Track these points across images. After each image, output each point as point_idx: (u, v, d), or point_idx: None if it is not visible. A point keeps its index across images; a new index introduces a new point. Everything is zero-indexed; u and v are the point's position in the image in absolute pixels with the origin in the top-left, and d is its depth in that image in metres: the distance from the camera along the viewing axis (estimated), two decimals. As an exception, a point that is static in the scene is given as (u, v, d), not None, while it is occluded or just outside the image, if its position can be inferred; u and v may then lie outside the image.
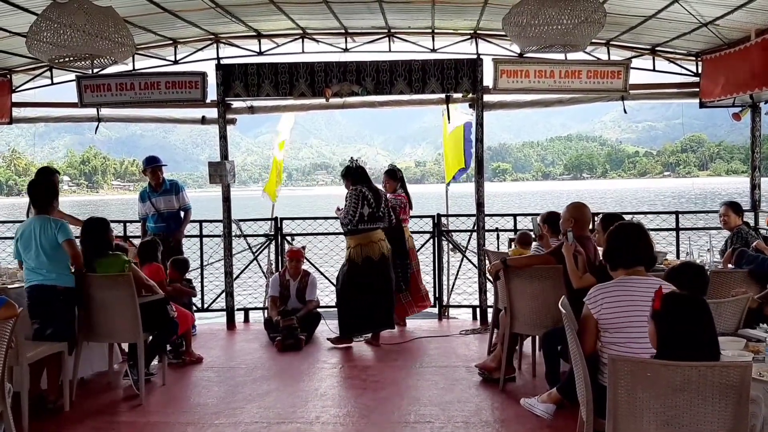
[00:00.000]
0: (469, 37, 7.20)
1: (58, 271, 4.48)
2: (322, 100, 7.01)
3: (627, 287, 3.04)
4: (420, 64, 6.88)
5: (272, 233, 7.59)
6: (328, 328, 6.40)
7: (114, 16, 4.46)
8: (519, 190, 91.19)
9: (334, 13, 6.49)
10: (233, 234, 7.25)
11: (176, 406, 4.62)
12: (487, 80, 6.91)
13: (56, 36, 4.26)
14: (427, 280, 7.26)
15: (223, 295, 7.32)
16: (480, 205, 7.07)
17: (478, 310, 7.19)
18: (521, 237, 5.97)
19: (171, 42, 7.29)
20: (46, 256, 4.44)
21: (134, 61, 7.36)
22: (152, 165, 6.82)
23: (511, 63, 6.88)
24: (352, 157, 6.26)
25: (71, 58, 4.53)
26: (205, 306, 7.59)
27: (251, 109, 7.39)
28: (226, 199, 7.13)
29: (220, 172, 6.94)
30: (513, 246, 6.23)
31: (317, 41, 7.37)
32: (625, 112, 7.53)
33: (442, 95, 7.06)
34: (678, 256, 6.79)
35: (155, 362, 5.14)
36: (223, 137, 7.10)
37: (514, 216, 7.58)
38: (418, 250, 7.25)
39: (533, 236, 5.80)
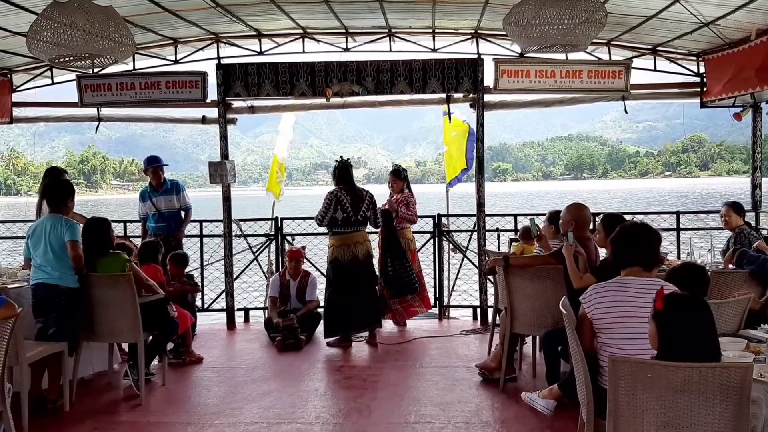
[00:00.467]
0: (469, 36, 7.20)
1: (62, 271, 4.47)
2: (323, 100, 7.00)
3: (621, 288, 3.02)
4: (421, 63, 6.87)
5: (272, 233, 7.58)
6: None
7: (114, 15, 4.45)
8: (519, 190, 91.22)
9: (335, 13, 6.48)
10: (233, 234, 7.25)
11: (176, 406, 4.62)
12: (488, 80, 6.90)
13: (56, 35, 4.25)
14: (427, 280, 7.25)
15: (224, 295, 7.32)
16: (480, 205, 7.06)
17: (478, 310, 7.18)
18: (525, 232, 5.93)
19: (171, 41, 7.28)
20: (54, 254, 4.45)
21: (134, 61, 7.36)
22: (154, 165, 6.83)
23: (511, 63, 6.87)
24: (341, 156, 6.23)
25: (71, 58, 4.53)
26: (206, 306, 7.59)
27: (251, 109, 7.39)
28: (227, 199, 7.13)
29: (220, 171, 6.94)
30: (517, 242, 6.21)
31: (318, 41, 7.37)
32: (626, 112, 7.55)
33: (443, 95, 7.05)
34: (679, 257, 6.78)
35: (155, 362, 5.13)
36: (224, 137, 7.10)
37: (515, 216, 7.57)
38: (419, 250, 7.24)
39: (532, 236, 5.78)
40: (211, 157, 7.32)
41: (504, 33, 5.51)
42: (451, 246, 7.58)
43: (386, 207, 6.76)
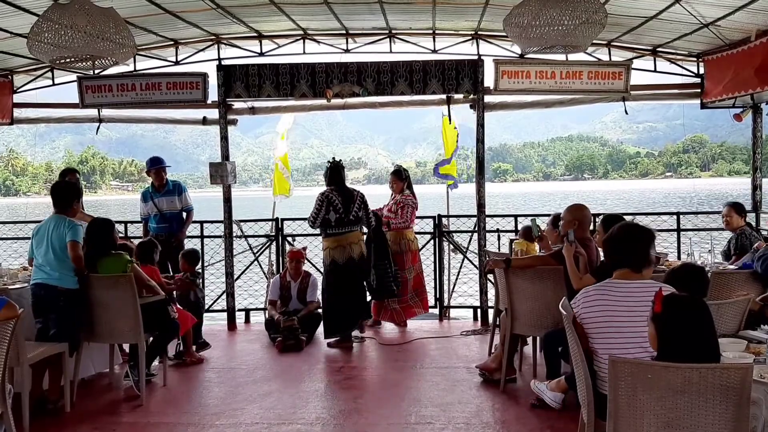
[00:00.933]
0: (470, 37, 7.20)
1: (62, 272, 4.48)
2: (323, 101, 7.01)
3: (607, 291, 2.95)
4: (421, 64, 6.88)
5: (273, 234, 7.59)
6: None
7: (115, 17, 4.46)
8: (520, 191, 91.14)
9: (335, 14, 6.49)
10: (234, 235, 7.25)
11: (177, 406, 4.63)
12: (488, 81, 6.90)
13: (57, 37, 4.26)
14: (427, 281, 7.25)
15: (224, 295, 7.32)
16: (481, 205, 7.07)
17: (478, 311, 7.18)
18: (525, 232, 5.93)
19: (172, 43, 7.30)
20: (54, 255, 4.46)
21: (135, 62, 7.37)
22: (156, 166, 6.86)
23: (512, 64, 6.88)
24: (333, 157, 6.24)
25: (72, 59, 4.54)
26: (206, 307, 7.58)
27: (252, 110, 7.39)
28: (227, 200, 7.14)
29: (221, 172, 6.95)
30: (519, 241, 6.20)
31: (318, 42, 7.38)
32: (626, 113, 7.56)
33: (443, 96, 7.06)
34: (679, 257, 6.78)
35: (156, 363, 5.14)
36: (224, 138, 7.10)
37: (515, 217, 7.57)
38: (419, 250, 7.23)
39: (533, 237, 5.78)
40: (212, 158, 7.33)
41: (504, 34, 5.52)
42: (451, 246, 7.58)
43: (378, 210, 6.77)
